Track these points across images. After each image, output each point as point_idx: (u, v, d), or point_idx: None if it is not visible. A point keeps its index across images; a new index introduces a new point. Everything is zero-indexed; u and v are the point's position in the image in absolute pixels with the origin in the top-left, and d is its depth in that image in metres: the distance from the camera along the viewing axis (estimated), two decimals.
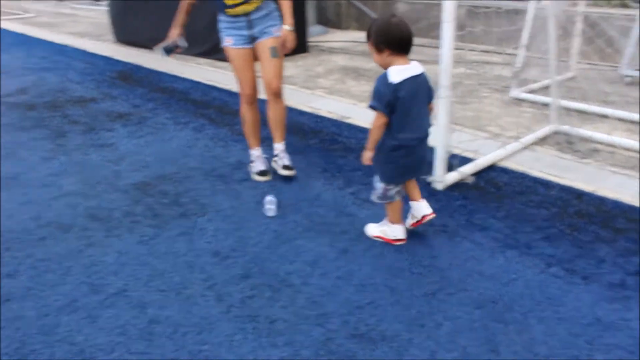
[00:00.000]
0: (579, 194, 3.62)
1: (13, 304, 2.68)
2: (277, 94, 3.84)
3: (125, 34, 9.66)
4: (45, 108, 5.92)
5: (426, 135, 2.92)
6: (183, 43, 3.89)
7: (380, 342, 2.37)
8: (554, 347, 2.33)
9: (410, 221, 3.18)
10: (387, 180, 2.98)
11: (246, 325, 2.50)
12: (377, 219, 3.34)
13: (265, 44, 3.70)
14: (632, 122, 4.77)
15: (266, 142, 4.21)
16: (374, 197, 3.10)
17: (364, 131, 4.89)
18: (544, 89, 5.17)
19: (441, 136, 3.64)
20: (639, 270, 2.80)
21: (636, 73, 5.89)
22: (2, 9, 14.33)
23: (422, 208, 3.11)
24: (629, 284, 2.70)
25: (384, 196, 3.04)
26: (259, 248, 3.11)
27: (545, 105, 4.96)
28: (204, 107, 5.78)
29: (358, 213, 3.46)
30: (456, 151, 3.89)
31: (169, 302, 2.67)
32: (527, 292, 2.67)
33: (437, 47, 3.56)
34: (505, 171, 4.00)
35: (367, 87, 6.40)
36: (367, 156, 2.87)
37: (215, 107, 5.81)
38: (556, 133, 4.61)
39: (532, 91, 5.57)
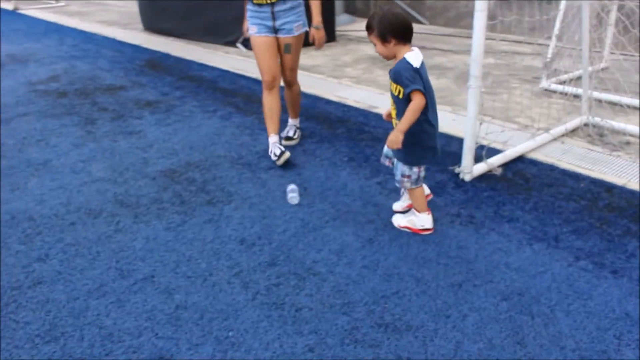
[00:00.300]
0: (610, 187, 3.56)
1: (44, 287, 2.74)
2: (291, 83, 4.25)
3: (153, 23, 9.72)
4: (75, 95, 6.00)
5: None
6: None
7: (406, 332, 2.37)
8: (582, 341, 2.30)
9: (402, 203, 3.28)
10: (417, 162, 2.99)
11: (272, 312, 2.52)
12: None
13: (283, 41, 3.94)
14: None
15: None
16: (407, 184, 3.04)
17: None
18: (575, 80, 5.08)
19: (469, 127, 3.61)
20: None
21: None
22: None
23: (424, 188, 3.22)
24: None
25: (418, 179, 3.03)
26: (285, 236, 3.13)
27: (576, 96, 4.88)
28: (232, 96, 5.80)
29: (384, 203, 3.45)
30: (484, 142, 3.85)
31: (196, 288, 2.70)
32: (554, 285, 2.64)
33: (466, 36, 3.51)
34: (534, 163, 3.95)
35: None
36: (399, 139, 2.79)
37: (242, 95, 5.83)
38: (587, 125, 4.54)
39: (562, 82, 5.47)
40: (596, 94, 4.67)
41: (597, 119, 4.48)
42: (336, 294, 2.62)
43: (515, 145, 4.10)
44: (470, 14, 3.39)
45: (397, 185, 3.12)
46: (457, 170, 3.77)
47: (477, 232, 3.11)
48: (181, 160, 4.20)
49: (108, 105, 5.63)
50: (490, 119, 4.03)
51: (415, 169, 3.00)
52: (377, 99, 5.55)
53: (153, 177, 3.92)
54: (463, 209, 3.35)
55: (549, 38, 5.35)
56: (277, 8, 3.76)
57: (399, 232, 3.12)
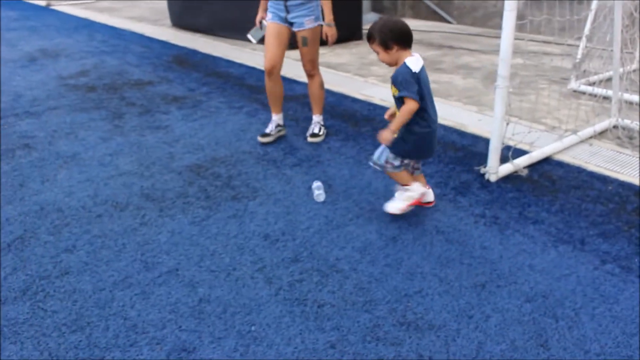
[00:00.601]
0: (638, 191, 3.51)
1: (71, 278, 2.79)
2: (312, 75, 4.37)
3: (182, 19, 9.80)
4: (104, 90, 6.08)
5: (437, 120, 3.15)
6: (265, 26, 4.25)
7: (428, 331, 2.37)
8: (606, 345, 2.28)
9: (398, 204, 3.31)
10: (402, 154, 3.14)
11: (294, 308, 2.53)
12: (428, 208, 3.34)
13: (299, 34, 4.13)
14: None
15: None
16: (388, 168, 3.18)
17: None
18: (605, 82, 5.01)
19: (496, 127, 3.58)
20: None
21: None
22: None
23: (429, 194, 3.38)
24: None
25: (401, 165, 3.18)
26: (309, 233, 3.14)
27: (606, 98, 4.80)
28: (258, 93, 5.82)
29: None
30: (511, 143, 3.82)
31: (219, 282, 2.72)
32: (579, 288, 2.62)
33: (494, 36, 3.49)
34: (561, 165, 3.91)
35: None
36: (388, 137, 3.00)
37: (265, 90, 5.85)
38: (616, 127, 4.47)
39: (592, 83, 5.40)
40: (627, 96, 4.60)
41: (626, 121, 4.41)
42: (359, 292, 2.63)
43: (542, 146, 4.05)
44: (498, 14, 3.37)
45: (371, 164, 3.26)
46: (482, 170, 3.74)
47: (501, 232, 3.09)
48: (207, 155, 4.23)
49: (136, 100, 5.70)
50: (517, 119, 3.99)
51: (399, 158, 3.14)
52: None
53: (179, 171, 3.96)
54: (488, 210, 3.33)
55: (579, 39, 5.28)
56: (290, 2, 4.01)
57: (423, 232, 3.12)
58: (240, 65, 7.08)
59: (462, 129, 4.65)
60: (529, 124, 4.25)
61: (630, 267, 2.76)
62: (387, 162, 3.16)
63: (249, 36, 4.36)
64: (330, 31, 4.06)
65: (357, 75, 6.49)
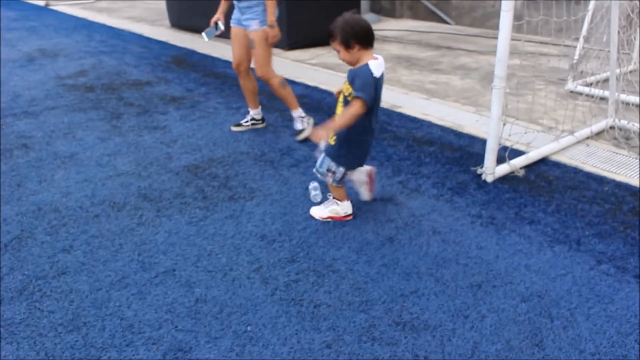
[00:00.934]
0: (635, 191, 3.52)
1: (68, 278, 2.79)
2: (266, 80, 4.46)
3: (180, 19, 9.81)
4: (102, 90, 6.08)
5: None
6: (221, 27, 4.47)
7: (424, 331, 2.37)
8: (601, 345, 2.28)
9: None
10: (345, 164, 3.12)
11: (290, 308, 2.53)
12: (425, 209, 3.34)
13: (248, 35, 4.30)
14: None
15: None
16: (330, 179, 3.18)
17: (414, 121, 4.86)
18: (602, 82, 5.02)
19: (493, 127, 3.59)
20: None
21: None
22: None
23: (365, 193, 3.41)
24: None
25: (342, 179, 3.18)
26: (305, 233, 3.14)
27: (603, 99, 4.82)
28: None
29: (405, 202, 3.45)
30: (507, 143, 3.83)
31: (216, 282, 2.73)
32: (575, 288, 2.62)
33: (492, 37, 3.49)
34: (558, 165, 3.92)
35: (419, 77, 6.35)
36: (323, 135, 2.81)
37: (266, 93, 5.84)
38: (613, 128, 4.48)
39: (589, 84, 5.41)
40: (623, 97, 4.61)
41: (623, 122, 4.42)
42: (355, 292, 2.64)
43: (538, 147, 4.06)
44: (496, 14, 3.38)
45: (316, 174, 3.23)
46: (479, 171, 3.75)
47: (497, 233, 3.10)
48: (204, 156, 4.24)
49: (134, 100, 5.70)
50: (514, 120, 4.00)
51: (341, 169, 3.11)
52: (401, 98, 5.54)
53: (176, 172, 3.96)
54: (484, 210, 3.34)
55: (576, 39, 5.29)
56: (241, 5, 4.21)
57: (419, 232, 3.12)
58: None
59: (460, 129, 4.66)
60: (525, 124, 4.26)
61: (626, 267, 2.76)
62: (329, 170, 3.13)
63: (203, 34, 4.52)
64: (272, 32, 4.15)
65: None
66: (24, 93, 5.98)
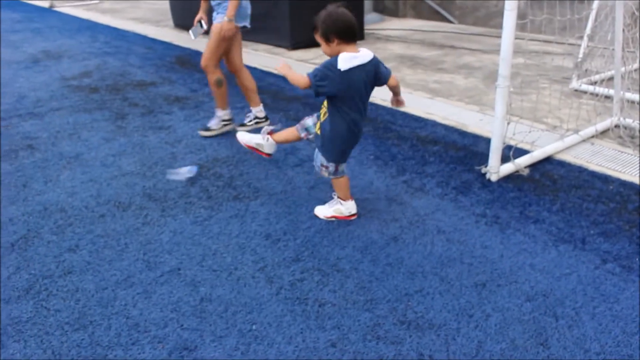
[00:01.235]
0: None
1: (74, 277, 2.80)
2: (204, 70, 4.56)
3: (184, 20, 9.81)
4: (106, 91, 6.10)
5: (365, 117, 3.15)
6: (204, 26, 4.62)
7: (428, 330, 2.38)
8: (607, 344, 2.28)
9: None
10: (332, 159, 3.11)
11: (295, 307, 2.54)
12: (429, 208, 3.34)
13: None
14: None
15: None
16: (325, 174, 3.19)
17: (418, 120, 4.86)
18: (607, 81, 5.00)
19: (497, 126, 3.59)
20: None
21: None
22: None
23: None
24: None
25: (336, 172, 3.17)
26: (310, 232, 3.15)
27: (608, 97, 4.81)
28: (259, 93, 5.76)
29: (410, 201, 3.45)
30: (512, 142, 3.82)
31: (221, 281, 2.74)
32: (580, 287, 2.62)
33: (495, 36, 3.49)
34: (562, 164, 3.91)
35: (423, 76, 6.35)
36: (285, 70, 2.96)
37: (270, 92, 5.87)
38: (617, 126, 4.47)
39: (593, 83, 5.40)
40: (628, 95, 4.60)
41: (628, 121, 4.41)
42: (359, 291, 2.64)
43: (543, 146, 4.06)
44: (500, 14, 3.37)
45: (316, 171, 3.26)
46: (483, 170, 3.75)
47: (502, 232, 3.10)
48: (209, 155, 4.25)
49: (138, 100, 5.72)
50: (519, 119, 3.99)
51: (332, 163, 3.13)
52: (405, 97, 5.51)
53: None
54: (488, 209, 3.34)
55: (581, 38, 5.28)
56: (213, 2, 4.36)
57: (424, 231, 3.13)
58: None
59: (464, 128, 4.66)
60: (530, 123, 4.26)
61: (631, 266, 2.76)
62: (322, 166, 3.16)
63: (190, 32, 4.68)
64: (226, 25, 4.23)
65: None
66: (29, 94, 6.01)
